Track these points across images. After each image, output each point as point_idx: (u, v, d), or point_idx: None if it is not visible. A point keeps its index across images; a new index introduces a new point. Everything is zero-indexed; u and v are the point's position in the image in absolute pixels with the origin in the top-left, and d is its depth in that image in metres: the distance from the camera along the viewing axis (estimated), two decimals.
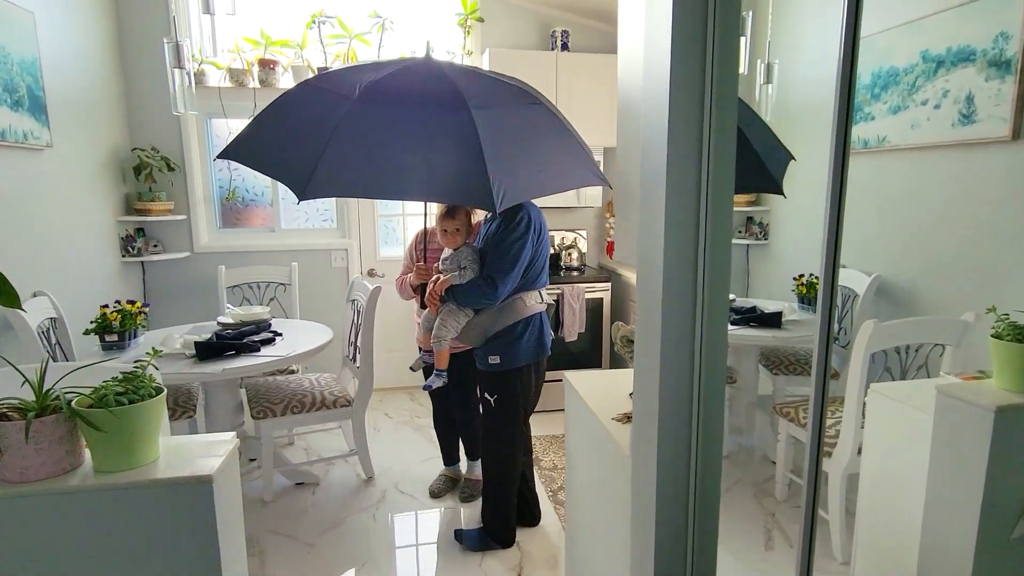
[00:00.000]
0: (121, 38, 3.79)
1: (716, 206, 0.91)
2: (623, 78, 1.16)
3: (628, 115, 1.14)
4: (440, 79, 2.04)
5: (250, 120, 2.17)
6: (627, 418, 1.55)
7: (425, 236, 2.62)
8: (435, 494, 2.99)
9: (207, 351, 2.61)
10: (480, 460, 2.77)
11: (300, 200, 2.19)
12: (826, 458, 2.28)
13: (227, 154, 2.13)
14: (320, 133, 2.08)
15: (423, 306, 2.44)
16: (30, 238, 2.88)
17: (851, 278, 3.02)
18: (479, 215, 2.53)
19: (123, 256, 3.77)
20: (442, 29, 4.37)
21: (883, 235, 2.90)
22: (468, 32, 4.29)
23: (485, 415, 2.47)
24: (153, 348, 1.46)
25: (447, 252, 2.40)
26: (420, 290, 2.44)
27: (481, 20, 4.25)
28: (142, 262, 3.98)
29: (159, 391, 1.14)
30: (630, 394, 1.69)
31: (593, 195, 4.38)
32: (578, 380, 1.88)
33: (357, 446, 3.10)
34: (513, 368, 2.36)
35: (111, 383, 1.11)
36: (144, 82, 3.85)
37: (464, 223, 2.37)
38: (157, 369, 1.41)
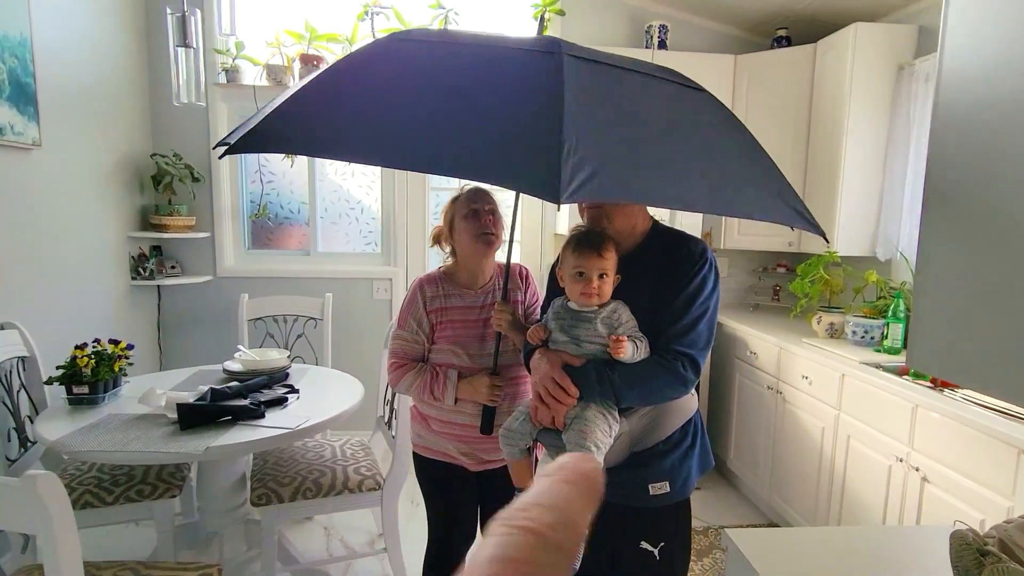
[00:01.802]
0: (148, 24, 3.28)
1: None
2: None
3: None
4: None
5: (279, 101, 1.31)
6: None
7: (506, 275, 1.70)
8: None
9: (193, 417, 1.95)
10: None
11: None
12: None
13: (246, 143, 1.27)
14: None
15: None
16: (3, 256, 2.32)
17: None
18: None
19: (133, 278, 3.22)
20: (515, 23, 3.71)
21: None
22: (545, 27, 3.61)
23: None
24: None
25: (558, 305, 1.44)
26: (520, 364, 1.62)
27: (562, 13, 3.56)
28: (158, 286, 3.43)
29: None
30: None
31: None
32: (752, 544, 1.09)
33: (387, 542, 2.37)
34: (686, 498, 1.50)
35: None
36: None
37: (615, 262, 1.41)
38: None
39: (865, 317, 2.75)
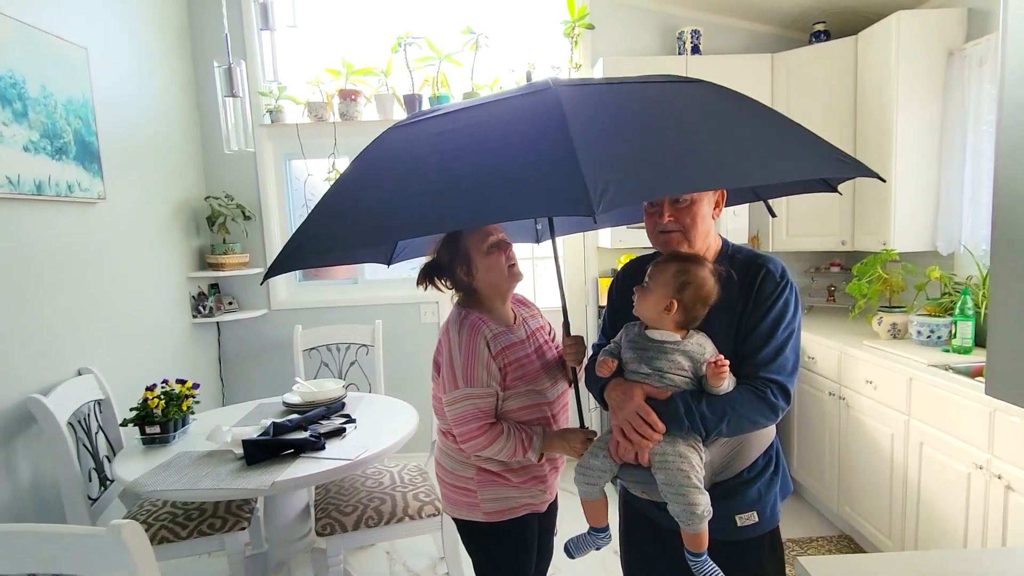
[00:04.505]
0: (197, 76, 3.45)
1: None
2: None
3: None
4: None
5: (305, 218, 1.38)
6: None
7: (563, 305, 1.58)
8: None
9: (258, 452, 2.01)
10: None
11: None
12: None
13: (286, 264, 1.36)
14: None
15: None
16: (78, 306, 2.46)
17: None
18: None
19: (194, 316, 3.36)
20: (545, 40, 3.73)
21: None
22: (576, 42, 3.63)
23: None
24: None
25: (633, 333, 1.36)
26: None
27: (591, 27, 3.57)
28: (217, 323, 3.57)
29: None
30: None
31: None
32: (830, 573, 1.05)
33: (449, 565, 2.38)
34: (775, 528, 1.42)
35: None
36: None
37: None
38: None
39: (930, 316, 2.63)
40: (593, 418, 3.53)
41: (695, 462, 1.25)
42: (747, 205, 3.40)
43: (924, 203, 2.95)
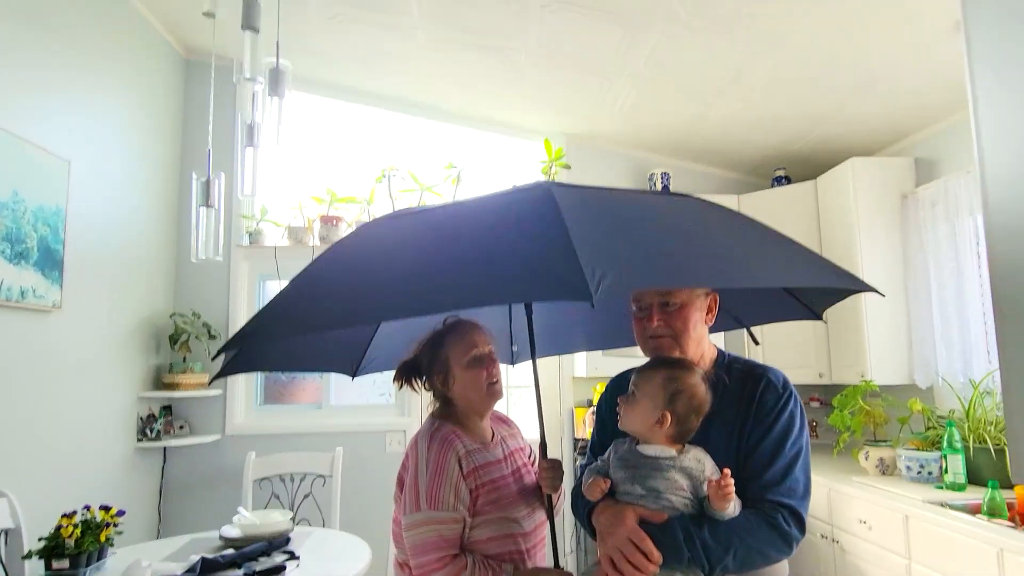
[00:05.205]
0: (181, 192, 3.49)
1: None
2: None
3: None
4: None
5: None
6: None
7: (541, 427, 1.43)
8: None
9: None
10: None
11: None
12: None
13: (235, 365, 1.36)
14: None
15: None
16: (8, 419, 2.25)
17: None
18: None
19: (139, 440, 3.11)
20: (524, 178, 3.92)
21: None
22: (552, 180, 3.81)
23: None
24: None
25: (623, 449, 1.23)
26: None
27: (568, 167, 3.77)
28: (164, 447, 3.30)
29: None
30: None
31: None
32: None
33: None
34: None
35: None
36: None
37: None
38: None
39: (917, 450, 2.52)
40: (569, 562, 3.21)
41: None
42: (722, 333, 3.39)
43: (897, 337, 2.96)
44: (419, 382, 1.55)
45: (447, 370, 1.49)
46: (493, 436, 1.57)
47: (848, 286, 1.20)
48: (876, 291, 1.20)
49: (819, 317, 1.46)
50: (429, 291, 0.99)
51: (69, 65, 2.61)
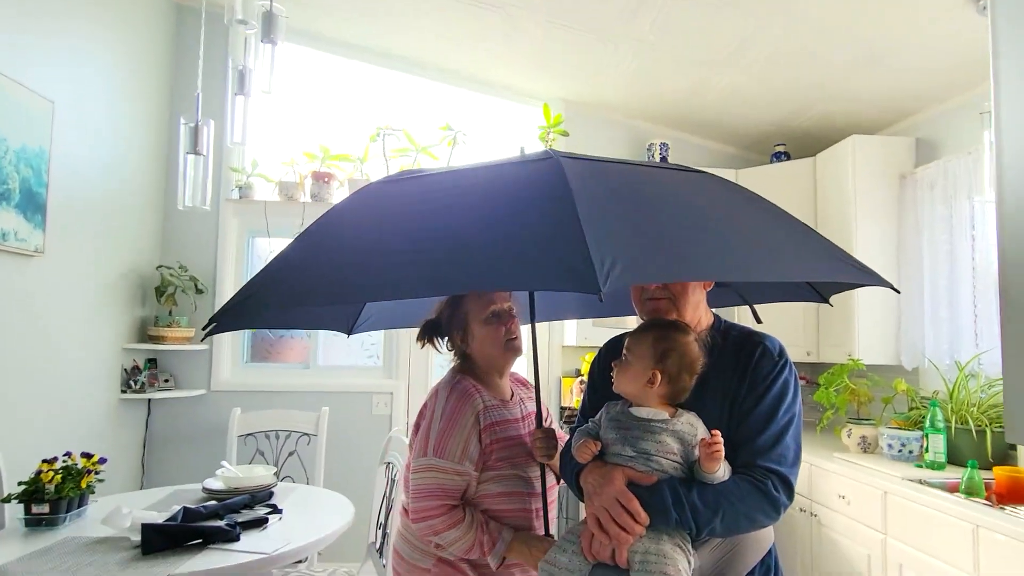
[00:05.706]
0: (171, 140, 3.40)
1: None
2: None
3: None
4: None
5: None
6: None
7: (537, 395, 1.46)
8: None
9: (157, 539, 1.74)
10: None
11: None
12: None
13: (227, 322, 1.30)
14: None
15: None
16: None
17: None
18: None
19: (123, 391, 3.09)
20: (521, 143, 3.86)
21: None
22: (550, 147, 3.75)
23: None
24: None
25: (616, 411, 1.21)
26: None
27: (566, 134, 3.71)
28: (148, 400, 3.28)
29: None
30: None
31: None
32: None
33: None
34: None
35: None
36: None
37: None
38: None
39: (900, 429, 2.54)
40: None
41: (682, 566, 1.06)
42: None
43: (886, 317, 2.97)
44: (440, 341, 1.55)
45: (465, 326, 1.49)
46: (512, 395, 1.57)
47: (869, 282, 1.17)
48: (893, 287, 1.18)
49: (826, 301, 1.45)
50: (431, 270, 0.97)
51: (52, 1, 2.51)
